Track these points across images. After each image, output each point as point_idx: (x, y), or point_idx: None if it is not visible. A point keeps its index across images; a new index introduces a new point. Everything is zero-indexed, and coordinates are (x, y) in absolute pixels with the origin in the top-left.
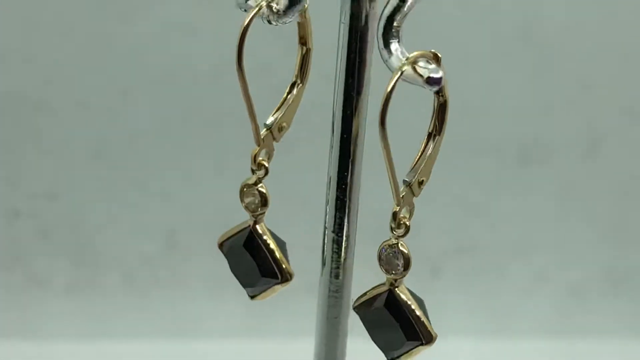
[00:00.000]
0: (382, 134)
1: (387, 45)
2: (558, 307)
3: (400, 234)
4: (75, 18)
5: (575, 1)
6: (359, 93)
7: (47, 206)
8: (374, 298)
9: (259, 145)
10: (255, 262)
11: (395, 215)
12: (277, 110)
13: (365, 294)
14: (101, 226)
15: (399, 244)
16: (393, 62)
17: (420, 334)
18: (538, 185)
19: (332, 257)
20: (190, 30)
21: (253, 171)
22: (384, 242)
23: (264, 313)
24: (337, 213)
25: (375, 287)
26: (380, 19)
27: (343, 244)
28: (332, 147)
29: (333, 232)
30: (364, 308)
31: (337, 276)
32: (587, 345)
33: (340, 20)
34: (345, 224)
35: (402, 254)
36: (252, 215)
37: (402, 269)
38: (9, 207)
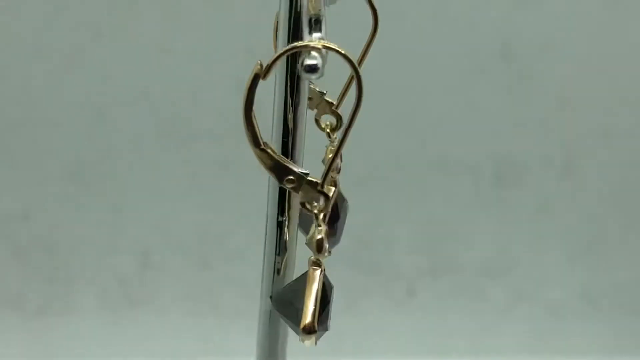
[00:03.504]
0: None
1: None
2: (535, 327)
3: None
4: (50, 36)
5: (552, 21)
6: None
7: (20, 226)
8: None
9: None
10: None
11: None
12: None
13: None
14: (75, 246)
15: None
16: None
17: None
18: (514, 205)
19: (275, 237)
20: (164, 49)
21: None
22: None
23: (242, 332)
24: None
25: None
26: None
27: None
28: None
29: (279, 218)
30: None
31: (279, 253)
32: None
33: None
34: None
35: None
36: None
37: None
38: None
